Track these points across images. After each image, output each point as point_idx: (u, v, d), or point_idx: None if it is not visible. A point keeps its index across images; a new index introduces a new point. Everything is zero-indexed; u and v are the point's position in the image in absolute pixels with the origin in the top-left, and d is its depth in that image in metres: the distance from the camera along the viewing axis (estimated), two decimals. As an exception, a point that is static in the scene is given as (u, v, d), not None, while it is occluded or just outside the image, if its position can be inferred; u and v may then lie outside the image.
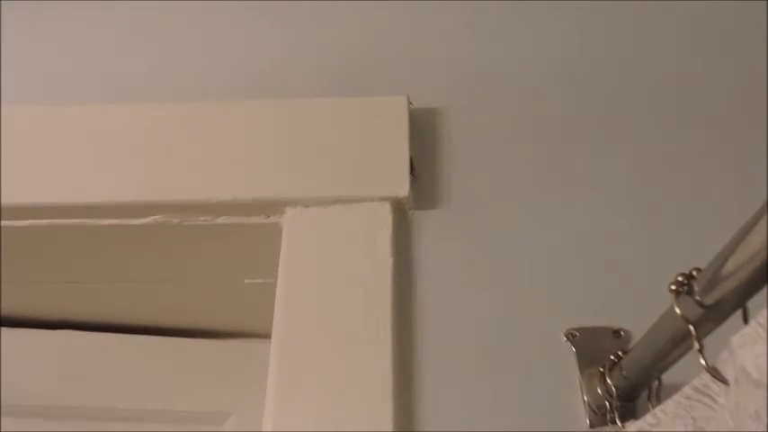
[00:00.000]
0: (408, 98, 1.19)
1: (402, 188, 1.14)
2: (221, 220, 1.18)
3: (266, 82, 1.27)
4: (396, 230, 1.14)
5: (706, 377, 0.62)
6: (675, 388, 0.72)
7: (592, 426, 0.91)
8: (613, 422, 0.83)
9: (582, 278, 1.06)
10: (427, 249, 1.15)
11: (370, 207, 1.15)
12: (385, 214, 1.13)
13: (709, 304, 0.63)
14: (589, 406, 0.91)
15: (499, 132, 1.24)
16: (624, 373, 0.83)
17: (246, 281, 1.21)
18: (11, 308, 1.24)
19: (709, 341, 0.67)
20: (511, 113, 1.22)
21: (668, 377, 0.79)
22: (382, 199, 1.14)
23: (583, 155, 1.16)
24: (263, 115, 1.22)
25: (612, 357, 0.87)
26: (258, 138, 1.19)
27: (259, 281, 1.21)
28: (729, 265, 0.59)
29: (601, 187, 1.15)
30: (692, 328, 0.64)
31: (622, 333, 0.97)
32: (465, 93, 1.24)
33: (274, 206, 1.18)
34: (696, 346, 0.63)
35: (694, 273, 0.65)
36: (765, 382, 0.51)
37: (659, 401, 0.74)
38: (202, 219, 1.17)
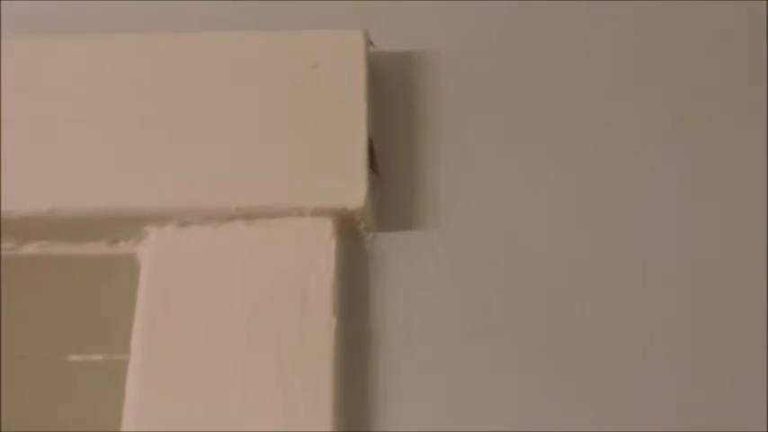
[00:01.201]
0: (367, 35, 0.72)
1: (354, 194, 0.68)
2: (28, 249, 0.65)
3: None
4: (342, 269, 0.67)
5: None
6: None
7: None
8: None
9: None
10: (397, 303, 0.66)
11: (294, 228, 0.67)
12: (322, 240, 0.67)
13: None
14: None
15: (513, 92, 0.75)
16: None
17: (73, 357, 0.68)
18: None
19: None
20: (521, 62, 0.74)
21: None
22: (317, 213, 0.67)
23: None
24: (110, 57, 0.68)
25: None
26: (96, 104, 0.66)
27: (97, 357, 0.68)
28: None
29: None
30: None
31: None
32: (455, 32, 0.75)
33: (126, 224, 0.68)
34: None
35: None
36: None
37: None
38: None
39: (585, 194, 0.69)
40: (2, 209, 0.66)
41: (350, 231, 0.68)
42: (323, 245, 0.67)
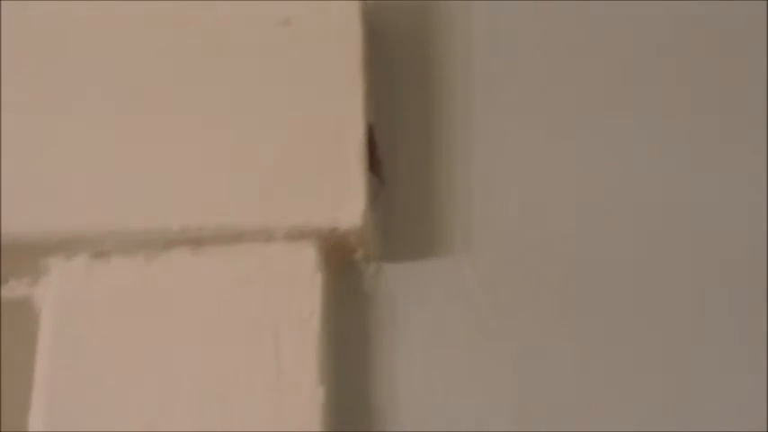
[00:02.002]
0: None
1: (347, 208, 0.48)
2: None
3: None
4: (330, 318, 0.48)
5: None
6: None
7: None
8: None
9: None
10: (412, 372, 0.47)
11: (261, 257, 0.48)
12: (302, 275, 0.48)
13: None
14: None
15: (545, 53, 0.56)
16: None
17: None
18: None
19: None
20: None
21: None
22: (294, 235, 0.48)
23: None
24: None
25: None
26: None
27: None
28: None
29: None
30: None
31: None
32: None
33: (18, 256, 0.49)
34: None
35: None
36: None
37: None
38: None
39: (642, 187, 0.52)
40: None
41: (342, 262, 0.50)
42: (303, 282, 0.48)
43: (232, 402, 0.45)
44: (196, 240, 0.48)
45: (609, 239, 0.51)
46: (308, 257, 0.48)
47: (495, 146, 0.53)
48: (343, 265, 0.50)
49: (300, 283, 0.48)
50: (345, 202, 0.48)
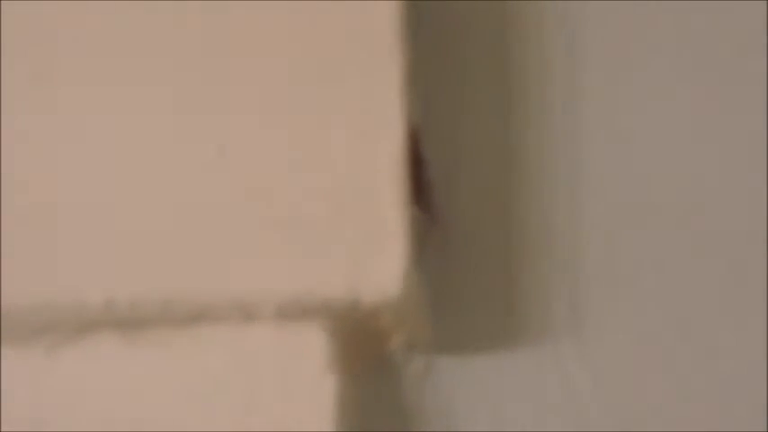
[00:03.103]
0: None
1: (377, 270, 0.29)
2: None
3: None
4: None
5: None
6: None
7: None
8: None
9: None
10: None
11: (241, 346, 0.30)
12: (305, 374, 0.30)
13: None
14: None
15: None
16: None
17: None
18: None
19: None
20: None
21: None
22: (289, 313, 0.30)
23: None
24: None
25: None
26: None
27: None
28: None
29: None
30: None
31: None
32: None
33: None
34: None
35: None
36: None
37: None
38: None
39: None
40: None
41: (369, 354, 0.32)
42: (304, 388, 0.31)
43: None
44: (125, 323, 0.30)
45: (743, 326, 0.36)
46: (312, 348, 0.30)
47: (602, 160, 0.35)
48: (371, 360, 0.32)
49: (300, 390, 0.30)
50: (372, 260, 0.30)
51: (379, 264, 0.30)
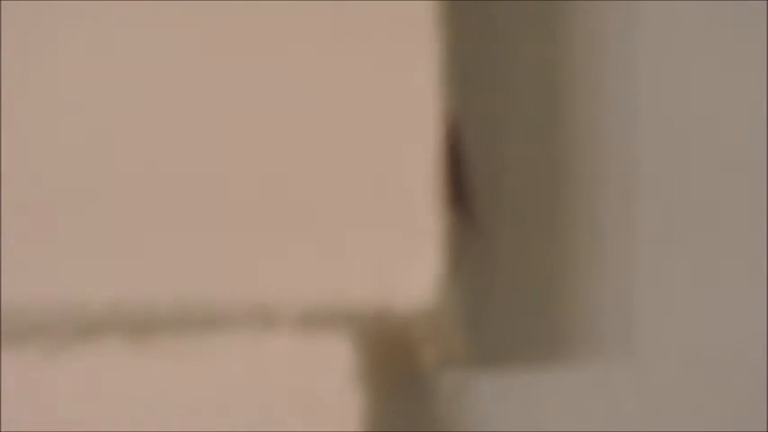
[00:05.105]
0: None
1: (409, 277, 0.26)
2: None
3: None
4: None
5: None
6: None
7: None
8: None
9: None
10: None
11: (257, 359, 0.27)
12: (329, 389, 0.27)
13: None
14: None
15: None
16: None
17: None
18: None
19: None
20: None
21: None
22: (310, 322, 0.27)
23: None
24: None
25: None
26: None
27: None
28: None
29: None
30: None
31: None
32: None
33: None
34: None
35: None
36: None
37: None
38: None
39: None
40: None
41: (399, 367, 0.30)
42: (327, 403, 0.28)
43: None
44: (131, 327, 0.27)
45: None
46: (336, 360, 0.28)
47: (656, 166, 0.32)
48: (401, 375, 0.29)
49: (322, 406, 0.27)
50: (405, 266, 0.27)
51: (411, 270, 0.27)
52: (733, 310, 0.33)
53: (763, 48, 0.34)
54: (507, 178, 0.31)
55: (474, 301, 0.29)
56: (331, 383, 0.28)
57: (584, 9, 0.33)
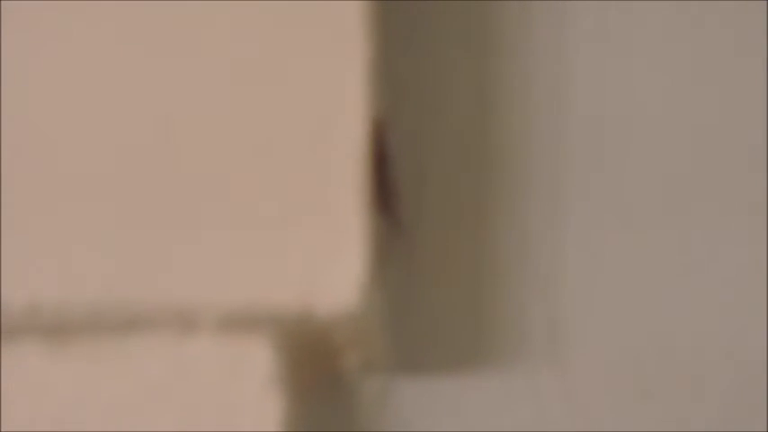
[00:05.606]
0: None
1: (332, 279, 0.26)
2: None
3: None
4: None
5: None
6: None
7: None
8: None
9: None
10: None
11: (176, 362, 0.27)
12: (247, 393, 0.27)
13: None
14: None
15: None
16: None
17: None
18: None
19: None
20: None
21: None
22: (229, 325, 0.27)
23: None
24: None
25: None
26: None
27: None
28: None
29: None
30: None
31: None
32: None
33: None
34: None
35: None
36: None
37: None
38: None
39: None
40: None
41: (320, 373, 0.29)
42: (244, 409, 0.28)
43: None
44: (49, 329, 0.27)
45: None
46: (257, 364, 0.27)
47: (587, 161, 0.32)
48: (323, 379, 0.29)
49: (242, 410, 0.27)
50: (327, 269, 0.27)
51: (334, 273, 0.27)
52: (659, 313, 0.33)
53: (689, 45, 0.34)
54: (433, 179, 0.30)
55: (397, 305, 0.29)
56: (251, 387, 0.28)
57: (513, 10, 0.33)
